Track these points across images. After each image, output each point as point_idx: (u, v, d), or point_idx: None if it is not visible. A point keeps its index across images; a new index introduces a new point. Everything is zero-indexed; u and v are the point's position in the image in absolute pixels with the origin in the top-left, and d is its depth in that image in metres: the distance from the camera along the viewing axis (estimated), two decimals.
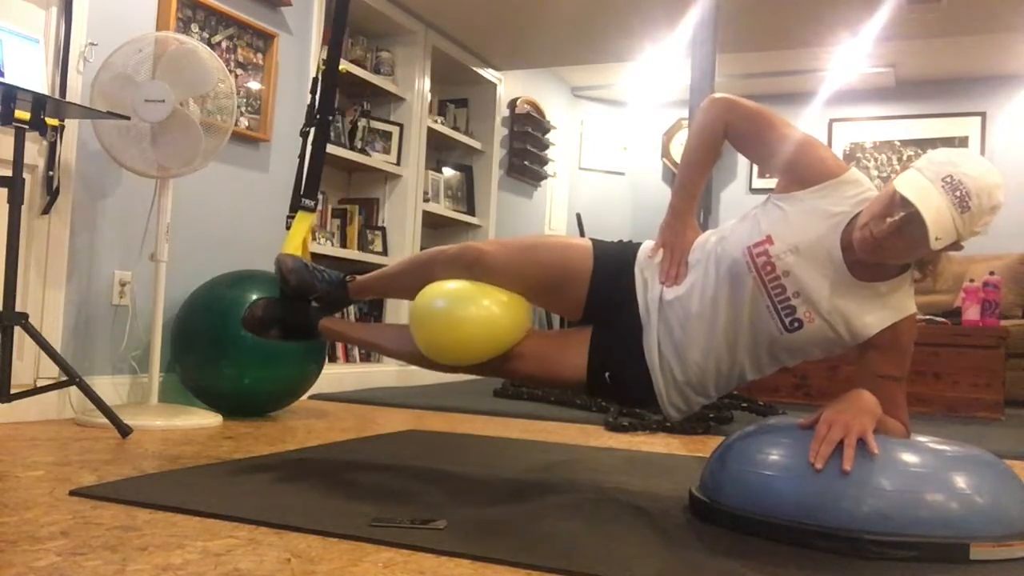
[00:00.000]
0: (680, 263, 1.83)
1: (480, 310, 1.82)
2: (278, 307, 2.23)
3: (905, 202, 1.52)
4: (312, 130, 2.93)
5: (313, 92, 2.95)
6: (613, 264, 1.89)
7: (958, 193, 1.50)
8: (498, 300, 1.85)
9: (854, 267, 1.67)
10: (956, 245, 1.56)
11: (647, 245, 1.91)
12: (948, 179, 1.51)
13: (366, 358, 4.54)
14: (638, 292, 1.85)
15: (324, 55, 3.01)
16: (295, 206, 2.89)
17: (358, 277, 2.24)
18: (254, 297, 2.98)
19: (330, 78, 2.97)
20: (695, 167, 1.86)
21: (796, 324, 1.70)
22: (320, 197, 4.22)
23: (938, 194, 1.50)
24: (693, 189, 1.88)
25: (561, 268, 1.90)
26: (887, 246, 1.57)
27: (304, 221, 2.85)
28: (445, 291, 1.86)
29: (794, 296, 1.69)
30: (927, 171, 1.54)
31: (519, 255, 1.89)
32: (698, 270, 1.79)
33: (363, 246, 4.53)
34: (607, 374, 1.87)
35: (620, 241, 1.99)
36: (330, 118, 3.00)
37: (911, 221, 1.51)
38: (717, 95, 1.84)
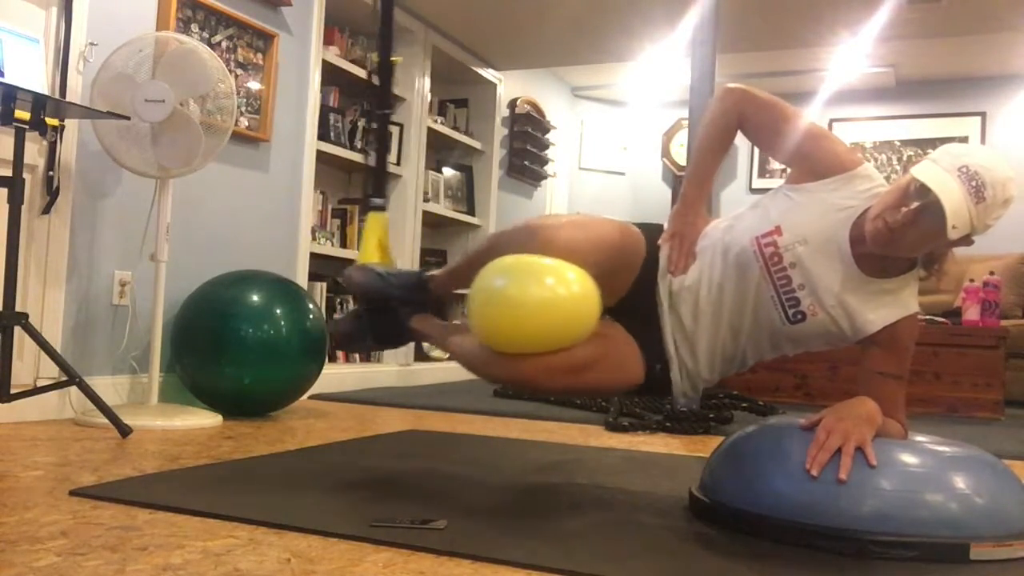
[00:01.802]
0: (687, 253, 1.81)
1: (544, 291, 1.57)
2: (364, 318, 2.13)
3: (922, 191, 1.52)
4: (373, 128, 2.90)
5: (370, 88, 2.92)
6: (656, 251, 1.85)
7: (974, 183, 1.50)
8: (565, 275, 1.60)
9: (862, 261, 1.67)
10: (967, 239, 1.56)
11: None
12: (964, 169, 1.51)
13: (366, 358, 4.54)
14: (659, 280, 1.83)
15: (375, 56, 3.00)
16: (365, 207, 2.81)
17: (435, 273, 2.12)
18: (255, 298, 2.99)
19: (384, 74, 2.94)
20: (707, 156, 1.85)
21: (799, 316, 1.70)
22: (322, 195, 4.24)
23: (955, 183, 1.51)
24: (704, 178, 1.87)
25: (620, 253, 1.80)
26: (901, 236, 1.56)
27: (375, 222, 2.74)
28: (503, 268, 1.63)
29: (799, 288, 1.69)
30: (943, 161, 1.55)
31: (587, 233, 1.74)
32: (705, 257, 1.79)
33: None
34: (658, 365, 1.80)
35: (657, 224, 1.92)
36: (387, 112, 2.96)
37: (927, 209, 1.51)
38: (732, 85, 1.82)
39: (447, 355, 2.00)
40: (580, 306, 1.59)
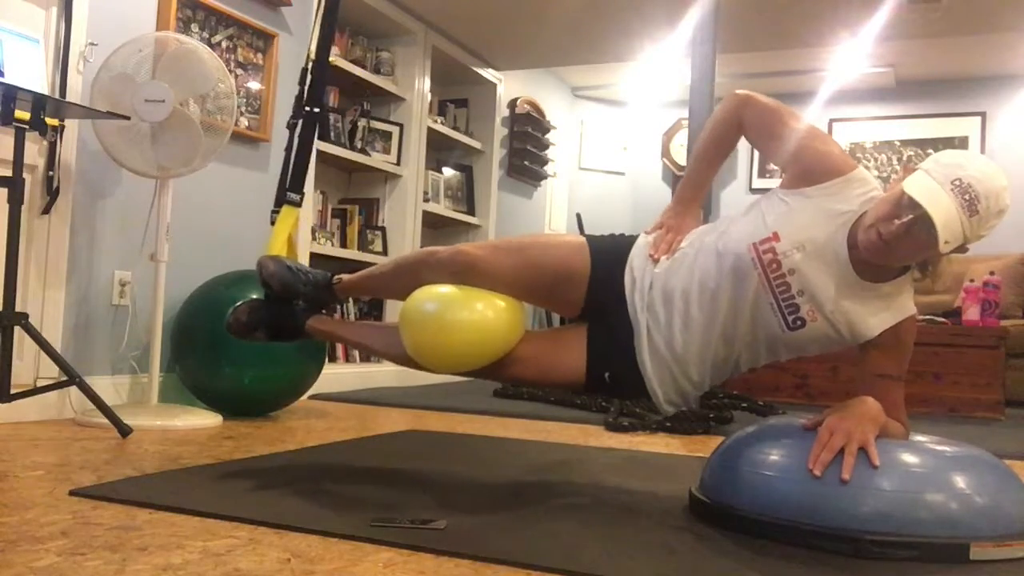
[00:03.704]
0: (673, 241, 1.84)
1: (473, 315, 1.76)
2: (263, 309, 2.19)
3: (914, 204, 1.52)
4: (299, 122, 2.89)
5: (301, 84, 2.93)
6: (609, 262, 1.87)
7: (967, 196, 1.50)
8: (492, 304, 1.79)
9: (859, 267, 1.67)
10: (962, 248, 1.56)
11: (641, 241, 1.90)
12: (957, 182, 1.51)
13: (366, 358, 4.54)
14: (626, 291, 1.83)
15: (312, 46, 2.98)
16: (280, 200, 2.81)
17: (344, 277, 2.20)
18: (254, 297, 2.98)
19: (318, 69, 2.93)
20: (704, 159, 1.89)
21: (799, 323, 1.70)
22: (322, 195, 4.23)
23: (947, 197, 1.51)
24: (700, 181, 1.92)
25: (557, 269, 1.87)
26: (895, 247, 1.57)
27: (289, 216, 2.75)
28: (436, 295, 1.80)
29: (798, 294, 1.68)
30: (935, 173, 1.54)
31: (512, 258, 1.86)
32: (697, 263, 1.77)
33: (363, 246, 4.53)
34: (607, 374, 1.86)
35: (612, 235, 1.97)
36: (317, 110, 2.96)
37: (919, 223, 1.51)
38: (738, 91, 1.84)
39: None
40: (498, 328, 1.79)
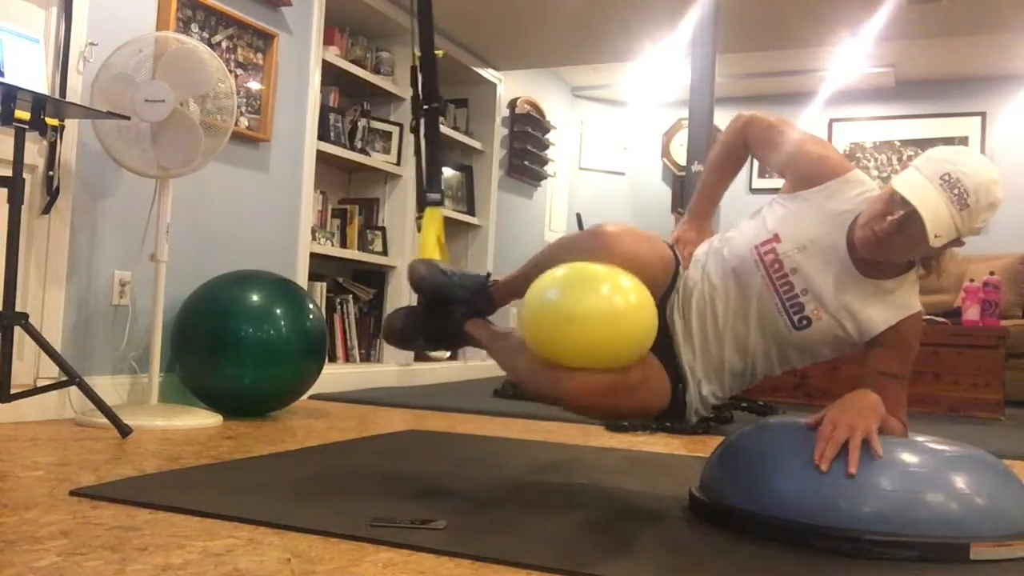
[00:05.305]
0: (689, 254, 1.89)
1: (600, 300, 1.50)
2: (418, 316, 2.04)
3: (904, 201, 1.54)
4: (421, 121, 2.81)
5: (414, 84, 2.86)
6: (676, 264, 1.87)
7: (956, 191, 1.53)
8: (619, 285, 1.53)
9: (859, 264, 1.70)
10: (957, 241, 1.58)
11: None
12: (946, 177, 1.54)
13: (366, 358, 4.54)
14: (673, 294, 1.85)
15: (416, 48, 2.92)
16: (421, 204, 2.67)
17: (498, 279, 2.03)
18: (255, 298, 2.99)
19: (428, 64, 2.87)
20: (714, 174, 1.97)
21: (805, 322, 1.72)
22: (322, 195, 4.24)
23: (936, 192, 1.53)
24: (711, 195, 1.99)
25: (667, 270, 1.78)
26: (888, 244, 1.59)
27: (434, 217, 2.61)
28: (555, 278, 1.56)
29: (802, 293, 1.71)
30: (925, 169, 1.57)
31: (648, 247, 1.71)
32: (706, 269, 1.81)
33: (363, 246, 4.53)
34: (680, 385, 1.79)
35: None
36: (435, 104, 2.83)
37: (910, 219, 1.54)
38: (742, 112, 1.92)
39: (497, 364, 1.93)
40: (637, 320, 1.52)
